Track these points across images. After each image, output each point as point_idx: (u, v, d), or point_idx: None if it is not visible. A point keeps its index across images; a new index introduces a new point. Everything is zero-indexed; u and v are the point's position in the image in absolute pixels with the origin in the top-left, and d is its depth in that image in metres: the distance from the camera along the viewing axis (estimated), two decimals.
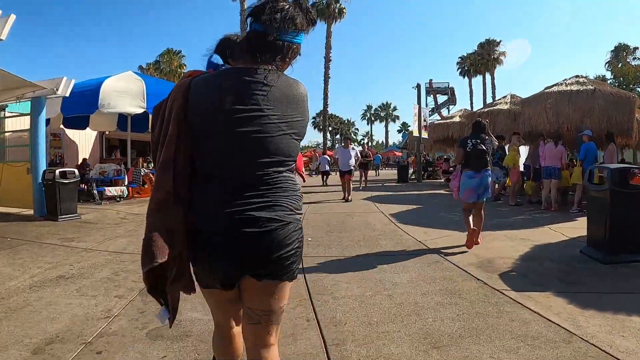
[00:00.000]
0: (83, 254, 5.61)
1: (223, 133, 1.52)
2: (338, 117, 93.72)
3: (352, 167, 12.64)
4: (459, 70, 62.62)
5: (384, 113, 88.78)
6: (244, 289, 1.66)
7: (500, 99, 15.09)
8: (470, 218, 5.89)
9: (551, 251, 5.74)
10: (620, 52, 43.67)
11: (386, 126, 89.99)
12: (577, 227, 7.33)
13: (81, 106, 11.66)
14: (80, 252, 5.72)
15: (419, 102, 20.95)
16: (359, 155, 13.55)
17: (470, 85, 61.96)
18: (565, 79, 11.79)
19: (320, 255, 5.58)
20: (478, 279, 4.40)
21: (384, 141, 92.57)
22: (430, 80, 74.84)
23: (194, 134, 1.57)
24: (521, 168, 11.49)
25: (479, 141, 5.92)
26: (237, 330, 1.81)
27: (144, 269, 1.51)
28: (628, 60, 40.56)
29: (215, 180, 1.57)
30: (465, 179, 5.95)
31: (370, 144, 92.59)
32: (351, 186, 12.73)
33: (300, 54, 1.69)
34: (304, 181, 3.49)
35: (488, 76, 59.02)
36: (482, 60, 58.96)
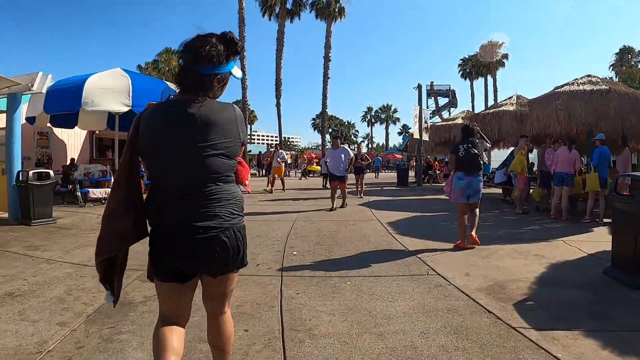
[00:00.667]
0: (43, 266, 5.03)
1: (162, 157, 1.87)
2: (338, 118, 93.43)
3: (345, 173, 10.98)
4: (461, 72, 62.07)
5: (384, 115, 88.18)
6: (201, 280, 2.04)
7: (505, 100, 14.34)
8: (466, 217, 6.26)
9: (570, 272, 4.98)
10: (625, 54, 43.04)
11: (386, 128, 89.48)
12: (594, 241, 6.65)
13: (64, 104, 10.93)
14: (41, 264, 5.13)
15: (419, 103, 20.20)
16: (353, 156, 11.54)
17: (471, 88, 61.47)
18: (576, 79, 11.03)
19: (305, 274, 4.81)
20: (489, 312, 3.62)
21: (384, 143, 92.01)
22: (432, 82, 74.01)
23: (143, 158, 1.94)
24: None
25: (470, 145, 6.23)
26: (178, 329, 1.96)
27: (96, 259, 1.95)
28: (633, 63, 39.94)
29: (162, 194, 1.90)
30: (455, 180, 6.32)
31: (370, 146, 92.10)
32: (346, 193, 11.20)
33: (238, 77, 2.05)
34: (249, 192, 3.05)
35: (490, 79, 58.60)
36: (484, 62, 58.44)
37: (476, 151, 6.22)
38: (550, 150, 10.09)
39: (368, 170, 24.07)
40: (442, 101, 51.91)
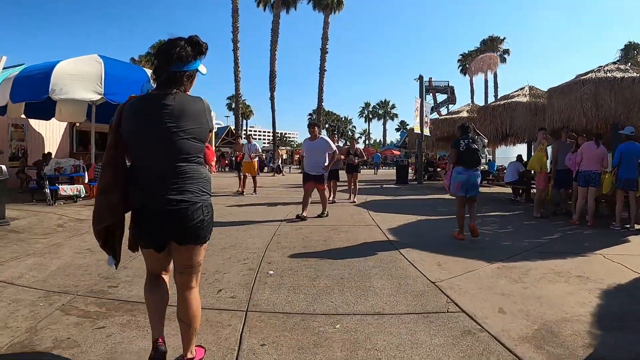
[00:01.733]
0: None
1: (142, 142, 2.27)
2: (335, 114, 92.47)
3: (324, 172, 8.52)
4: (460, 67, 60.86)
5: (382, 111, 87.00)
6: (172, 250, 2.38)
7: (517, 91, 13.08)
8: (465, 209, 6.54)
9: (631, 303, 3.74)
10: (631, 50, 42.04)
11: (384, 124, 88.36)
12: (637, 254, 5.61)
13: (30, 91, 9.90)
14: None
15: (421, 96, 18.90)
16: (335, 150, 8.67)
17: (471, 84, 59.97)
18: (601, 66, 9.76)
19: (278, 309, 3.52)
20: None
21: (382, 140, 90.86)
22: (430, 78, 73.08)
23: (125, 142, 2.31)
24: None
25: (471, 141, 6.48)
26: (164, 276, 2.51)
27: (94, 229, 2.37)
28: (639, 60, 39.00)
29: (142, 173, 2.29)
30: (454, 175, 6.49)
31: (367, 142, 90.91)
32: (326, 198, 8.94)
33: (204, 73, 2.46)
34: (213, 172, 2.54)
35: (490, 75, 57.43)
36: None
37: (476, 146, 6.50)
38: (560, 144, 8.91)
39: (366, 167, 22.92)
40: (441, 97, 51.02)
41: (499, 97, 13.37)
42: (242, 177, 13.47)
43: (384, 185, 18.24)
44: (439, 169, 22.64)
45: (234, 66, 33.84)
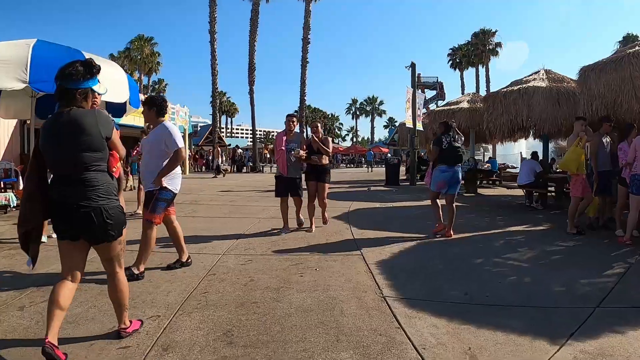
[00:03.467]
0: None
1: (51, 153, 2.59)
2: (322, 111, 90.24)
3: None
4: (450, 62, 58.97)
5: (369, 107, 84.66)
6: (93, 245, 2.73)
7: (531, 75, 10.84)
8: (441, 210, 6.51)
9: None
10: (629, 42, 40.36)
11: (372, 121, 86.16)
12: None
13: None
14: None
15: (413, 85, 16.66)
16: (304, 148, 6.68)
17: (462, 79, 58.44)
18: None
19: None
20: None
21: (370, 137, 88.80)
22: (419, 74, 71.49)
23: (44, 153, 2.62)
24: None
25: (452, 139, 6.48)
26: (71, 284, 2.65)
27: (18, 231, 2.64)
28: None
29: (56, 179, 2.61)
30: (438, 173, 6.45)
31: (355, 139, 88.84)
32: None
33: (101, 93, 2.82)
34: (114, 178, 2.82)
35: (482, 69, 55.60)
36: (475, 52, 55.71)
37: (458, 144, 6.48)
38: (600, 137, 6.70)
39: (344, 166, 20.63)
40: (430, 94, 49.87)
41: (509, 83, 11.05)
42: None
43: (372, 188, 15.95)
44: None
45: (211, 59, 31.26)
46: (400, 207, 9.98)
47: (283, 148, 6.51)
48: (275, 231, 6.69)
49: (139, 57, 50.28)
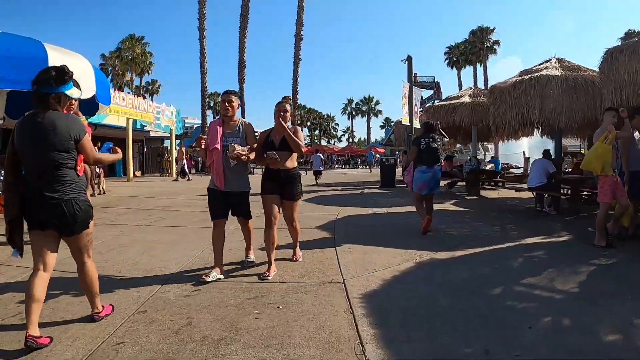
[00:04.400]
0: None
1: (24, 154, 2.83)
2: (317, 111, 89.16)
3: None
4: (447, 60, 57.98)
5: (365, 107, 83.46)
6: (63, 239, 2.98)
7: (542, 64, 9.66)
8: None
9: None
10: (631, 38, 39.27)
11: (368, 121, 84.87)
12: None
13: None
14: None
15: (409, 80, 15.49)
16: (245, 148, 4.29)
17: (459, 77, 57.42)
18: None
19: None
20: None
21: (366, 138, 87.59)
22: (415, 74, 70.49)
23: (19, 153, 2.86)
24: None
25: (431, 140, 6.52)
26: (44, 274, 2.85)
27: (5, 220, 2.86)
28: None
29: (29, 176, 2.86)
30: (418, 174, 6.50)
31: (351, 140, 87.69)
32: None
33: (76, 98, 3.17)
34: (79, 175, 2.99)
35: (479, 68, 54.63)
36: (473, 50, 54.78)
37: (436, 145, 6.53)
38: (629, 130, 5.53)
39: (339, 167, 19.54)
40: (426, 94, 49.00)
41: (516, 73, 9.87)
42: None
43: (366, 190, 14.77)
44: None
45: (200, 57, 30.02)
46: (395, 214, 8.78)
47: (217, 146, 4.21)
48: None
49: (130, 57, 49.11)
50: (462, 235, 6.39)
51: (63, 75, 2.85)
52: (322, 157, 21.41)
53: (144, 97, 34.66)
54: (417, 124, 15.66)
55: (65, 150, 2.81)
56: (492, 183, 14.16)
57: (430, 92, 51.40)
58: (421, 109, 17.60)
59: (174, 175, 23.48)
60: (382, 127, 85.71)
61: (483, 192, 12.93)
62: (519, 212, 9.17)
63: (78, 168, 2.93)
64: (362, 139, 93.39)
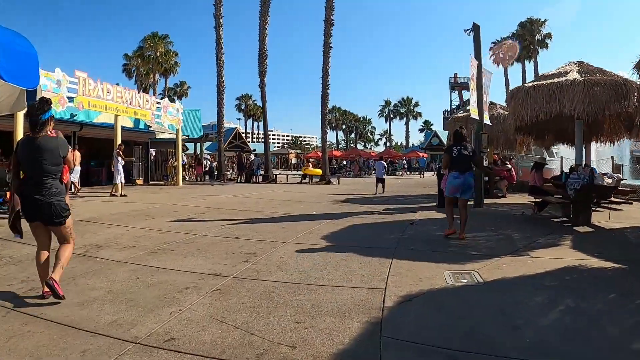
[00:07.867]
0: None
1: (25, 164, 3.90)
2: (352, 113, 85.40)
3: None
4: (492, 57, 52.55)
5: (404, 109, 78.45)
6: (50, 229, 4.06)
7: (564, 66, 7.91)
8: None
9: None
10: None
11: (407, 124, 79.78)
12: None
13: None
14: None
15: (477, 57, 11.08)
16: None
17: (505, 76, 51.87)
18: None
19: None
20: None
21: (405, 141, 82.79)
22: (455, 74, 65.18)
23: (20, 164, 3.96)
24: None
25: (462, 148, 6.80)
26: (45, 252, 4.05)
27: (16, 209, 3.80)
28: None
29: (27, 182, 3.88)
30: (451, 179, 6.79)
31: (388, 144, 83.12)
32: None
33: (53, 122, 4.06)
34: (63, 184, 4.15)
35: (528, 65, 49.45)
36: (522, 44, 49.15)
37: (467, 152, 6.77)
38: None
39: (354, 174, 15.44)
40: (468, 95, 43.36)
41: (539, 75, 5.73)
42: None
43: (415, 206, 10.45)
44: (496, 178, 14.64)
45: (217, 47, 26.35)
46: (490, 289, 4.49)
47: None
48: None
49: (152, 55, 46.24)
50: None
51: (44, 105, 4.00)
52: (385, 164, 20.79)
53: (173, 100, 31.35)
54: (486, 118, 11.26)
55: (55, 165, 3.96)
56: (608, 203, 9.41)
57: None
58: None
59: (180, 182, 20.34)
60: (421, 130, 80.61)
61: (596, 218, 8.45)
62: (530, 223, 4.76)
63: (64, 178, 4.09)
64: (400, 143, 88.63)
